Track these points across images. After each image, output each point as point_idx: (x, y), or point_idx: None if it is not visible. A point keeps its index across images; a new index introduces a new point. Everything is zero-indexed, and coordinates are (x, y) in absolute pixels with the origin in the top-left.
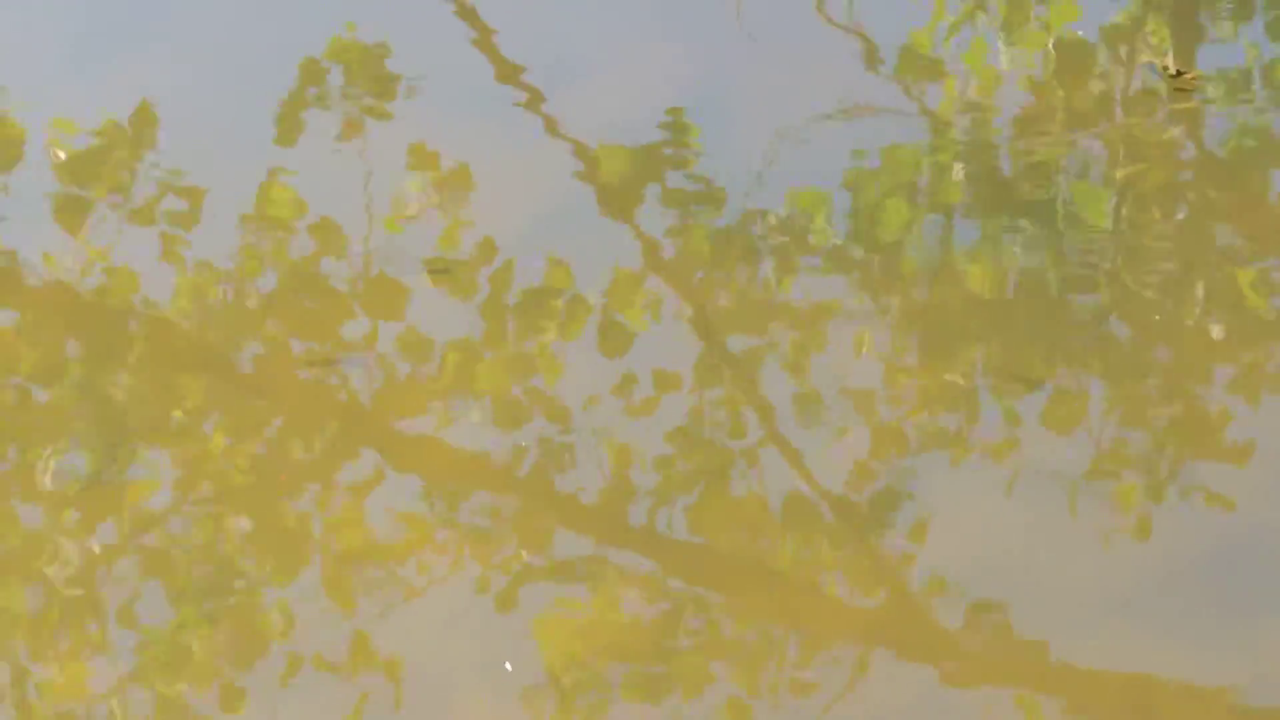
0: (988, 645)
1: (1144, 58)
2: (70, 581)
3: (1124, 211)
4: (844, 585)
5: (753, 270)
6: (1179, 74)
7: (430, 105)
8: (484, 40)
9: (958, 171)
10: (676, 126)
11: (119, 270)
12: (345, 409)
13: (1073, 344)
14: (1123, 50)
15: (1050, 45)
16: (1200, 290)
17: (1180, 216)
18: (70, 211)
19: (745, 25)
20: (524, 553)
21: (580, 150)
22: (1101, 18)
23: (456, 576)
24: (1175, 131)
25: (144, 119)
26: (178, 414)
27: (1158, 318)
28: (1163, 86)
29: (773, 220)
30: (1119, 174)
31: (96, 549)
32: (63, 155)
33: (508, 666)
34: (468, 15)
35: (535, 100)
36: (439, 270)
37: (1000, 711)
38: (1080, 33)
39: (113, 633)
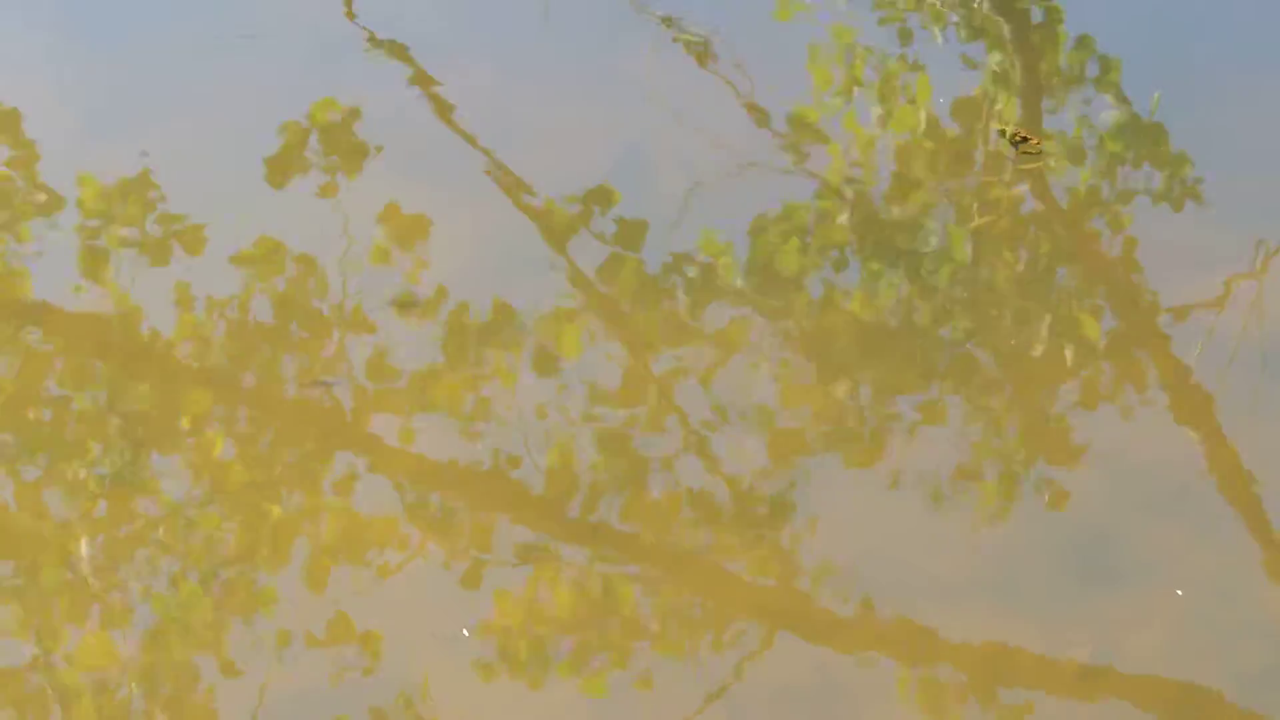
0: (870, 621)
1: (995, 125)
2: (96, 563)
3: (980, 253)
4: (749, 569)
5: (670, 301)
6: (1024, 139)
7: (399, 166)
8: (444, 113)
9: (841, 219)
10: (605, 184)
11: (136, 302)
12: (330, 420)
13: (940, 365)
14: (977, 119)
15: (917, 115)
16: (1044, 319)
17: (1026, 256)
18: (92, 253)
19: (663, 98)
20: (475, 539)
21: (526, 203)
22: (959, 92)
23: (422, 559)
24: (1021, 187)
25: (145, 177)
26: (188, 424)
27: (1012, 342)
28: (1011, 149)
29: (686, 260)
30: (975, 222)
31: (120, 536)
32: (86, 206)
33: (465, 633)
34: (434, 98)
35: (492, 163)
36: (406, 305)
37: (881, 677)
38: (941, 104)
39: (132, 607)
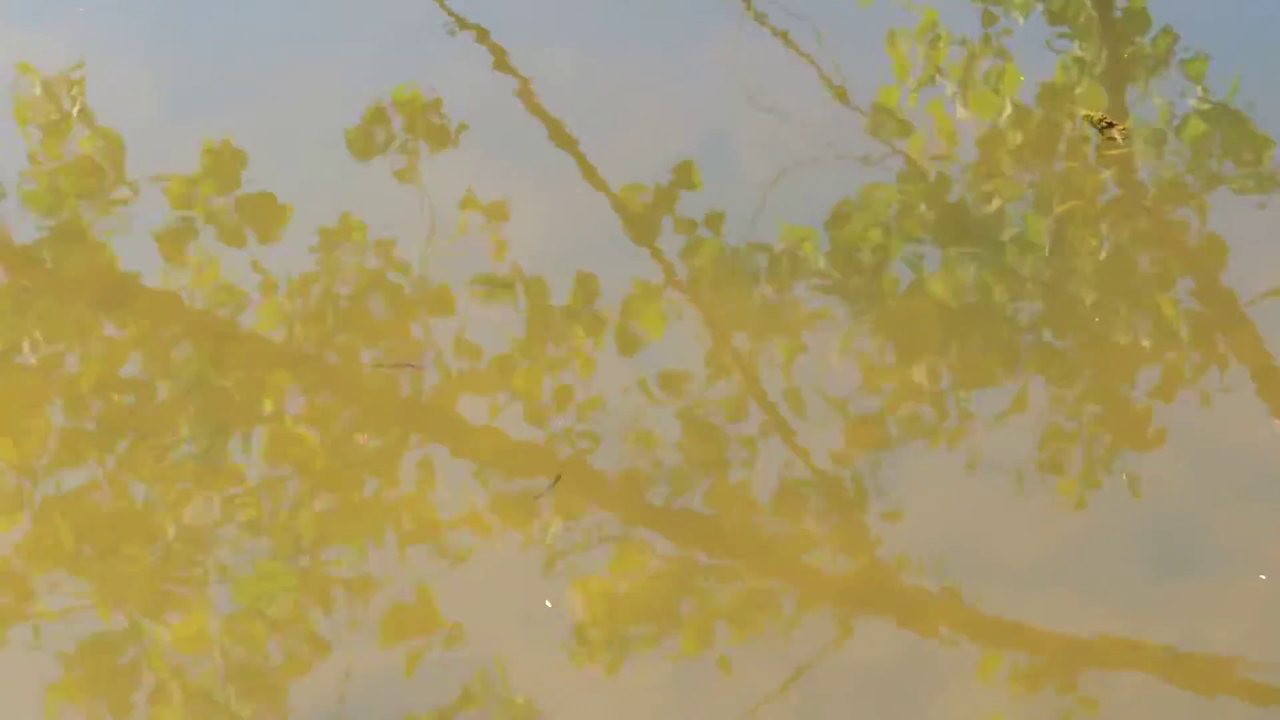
0: (953, 608)
1: (1079, 111)
2: (181, 543)
3: (1062, 238)
4: (829, 555)
5: (752, 286)
6: (1109, 125)
7: (480, 148)
8: (526, 94)
9: (923, 205)
10: (686, 169)
11: (219, 281)
12: (409, 402)
13: (1021, 350)
14: (1061, 105)
15: (1000, 101)
16: (1128, 304)
17: (1109, 242)
18: (175, 234)
19: (744, 86)
20: (557, 520)
21: (606, 187)
22: (1042, 77)
23: (502, 541)
24: (1106, 173)
25: (233, 157)
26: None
27: (1098, 320)
28: (1096, 135)
29: (768, 246)
30: (1057, 207)
31: (203, 517)
32: (169, 186)
33: (548, 604)
34: (510, 70)
35: (571, 146)
36: (487, 286)
37: (962, 661)
38: (1024, 90)
39: (214, 588)
